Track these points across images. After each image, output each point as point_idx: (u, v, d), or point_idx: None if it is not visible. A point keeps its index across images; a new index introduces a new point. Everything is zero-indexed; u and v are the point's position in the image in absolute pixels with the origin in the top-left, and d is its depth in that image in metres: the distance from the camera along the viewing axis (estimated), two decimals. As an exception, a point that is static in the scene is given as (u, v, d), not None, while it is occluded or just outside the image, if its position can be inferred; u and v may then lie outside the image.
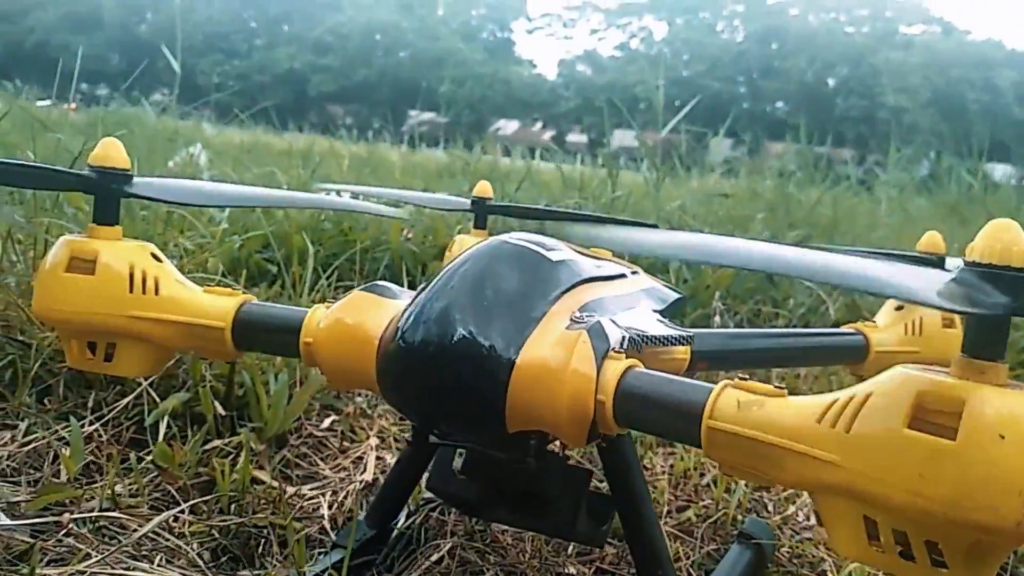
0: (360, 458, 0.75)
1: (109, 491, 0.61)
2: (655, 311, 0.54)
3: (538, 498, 0.49)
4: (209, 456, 0.69)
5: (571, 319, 0.44)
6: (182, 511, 0.60)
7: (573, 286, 0.47)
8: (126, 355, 0.49)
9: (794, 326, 1.28)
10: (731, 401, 0.36)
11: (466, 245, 0.85)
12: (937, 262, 0.71)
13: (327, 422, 0.81)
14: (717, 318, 1.24)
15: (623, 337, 0.42)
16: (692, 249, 0.37)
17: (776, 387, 0.36)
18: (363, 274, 1.22)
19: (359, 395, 0.86)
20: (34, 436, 0.69)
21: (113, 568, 0.53)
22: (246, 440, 0.69)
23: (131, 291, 0.48)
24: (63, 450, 0.68)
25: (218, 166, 2.22)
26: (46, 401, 0.75)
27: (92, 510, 0.59)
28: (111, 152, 0.49)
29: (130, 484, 0.64)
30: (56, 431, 0.71)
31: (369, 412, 0.84)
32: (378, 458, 0.74)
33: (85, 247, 0.48)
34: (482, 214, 0.88)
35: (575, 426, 0.40)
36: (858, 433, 0.32)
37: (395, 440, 0.81)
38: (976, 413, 0.29)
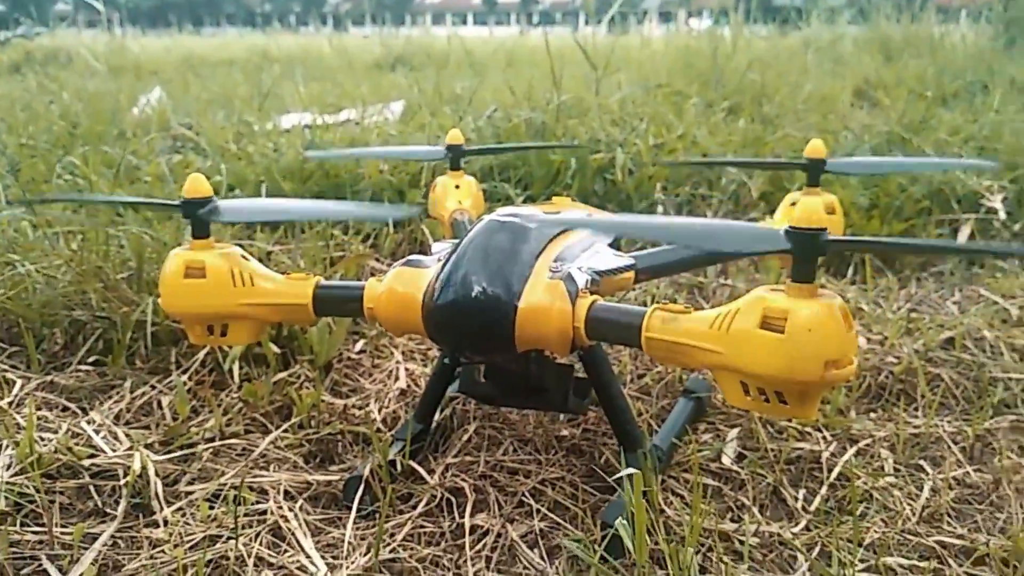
0: (390, 372, 0.96)
1: (217, 424, 0.82)
2: (609, 244, 0.74)
3: (539, 388, 0.71)
4: (276, 387, 0.90)
5: (550, 270, 0.64)
6: (284, 431, 0.81)
7: (548, 243, 0.66)
8: (236, 330, 0.68)
9: (725, 207, 1.49)
10: (658, 319, 0.57)
11: (447, 185, 1.03)
12: (820, 164, 0.91)
13: (358, 346, 1.01)
14: (660, 208, 1.45)
15: (587, 280, 0.63)
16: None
17: (685, 306, 0.57)
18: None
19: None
20: (139, 392, 0.89)
21: (245, 478, 0.74)
22: (318, 376, 0.89)
23: (234, 286, 0.66)
24: (164, 399, 0.88)
25: (180, 103, 2.31)
26: (137, 362, 0.94)
27: (212, 440, 0.80)
28: (199, 185, 0.66)
29: (225, 417, 0.85)
30: (153, 385, 0.90)
31: (388, 334, 1.04)
32: (406, 370, 0.95)
33: (194, 258, 0.66)
34: (456, 158, 1.05)
35: (561, 344, 0.61)
36: (733, 333, 0.53)
37: (414, 355, 1.01)
38: (794, 318, 0.50)
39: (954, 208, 1.42)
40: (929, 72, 2.93)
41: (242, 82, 3.29)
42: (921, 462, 0.78)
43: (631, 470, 0.60)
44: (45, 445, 0.76)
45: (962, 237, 1.39)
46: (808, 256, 0.52)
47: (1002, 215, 1.37)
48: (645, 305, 0.59)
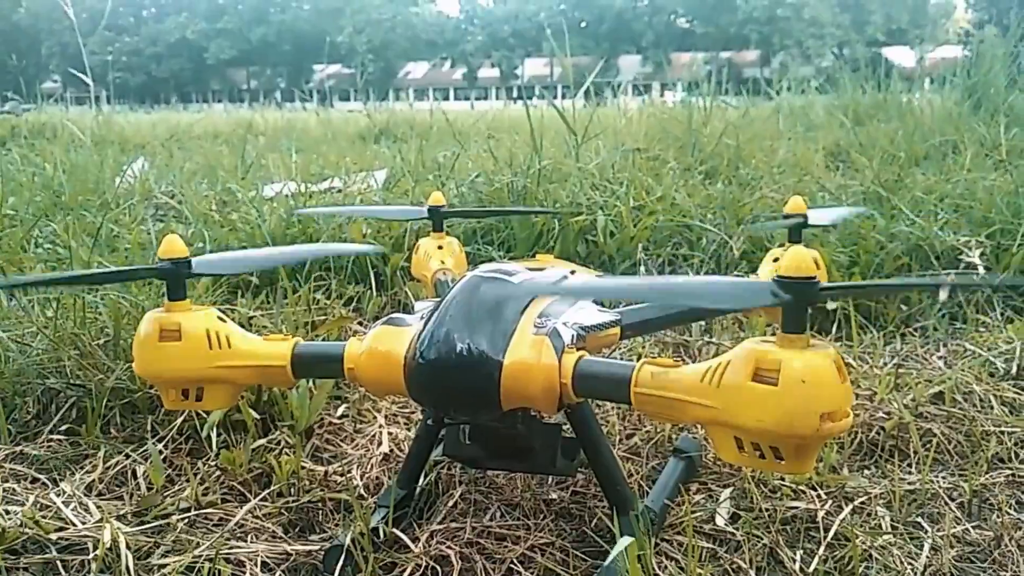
0: (373, 436, 0.94)
1: (193, 494, 0.79)
2: (593, 301, 0.73)
3: (525, 449, 0.69)
4: (256, 454, 0.87)
5: (535, 325, 0.63)
6: (262, 499, 0.78)
7: (533, 299, 0.65)
8: (212, 394, 0.66)
9: (706, 267, 1.49)
10: (647, 373, 0.55)
11: (429, 246, 1.02)
12: (803, 221, 0.92)
13: (340, 410, 0.99)
14: (642, 268, 1.45)
15: (573, 335, 0.62)
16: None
17: (675, 360, 0.56)
18: (335, 271, 1.38)
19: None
20: (113, 461, 0.86)
21: (220, 550, 0.70)
22: (298, 442, 0.86)
23: (211, 348, 0.64)
24: (139, 468, 0.85)
25: (163, 173, 2.31)
26: (111, 431, 0.91)
27: (187, 510, 0.77)
28: (175, 246, 0.65)
29: (202, 486, 0.82)
30: (128, 454, 0.87)
31: (372, 397, 1.02)
32: (389, 434, 0.93)
33: (169, 320, 0.64)
34: (438, 220, 1.04)
35: (548, 401, 0.59)
36: (724, 386, 0.51)
37: (397, 418, 0.99)
38: (787, 369, 0.49)
39: (933, 264, 1.43)
40: (899, 135, 2.99)
41: (227, 154, 3.31)
42: (919, 519, 0.76)
43: (625, 537, 0.58)
44: (10, 519, 0.73)
45: (943, 294, 1.39)
46: (800, 306, 0.51)
47: (981, 270, 1.38)
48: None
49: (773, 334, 0.53)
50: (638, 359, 0.57)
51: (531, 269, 0.71)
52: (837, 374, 0.50)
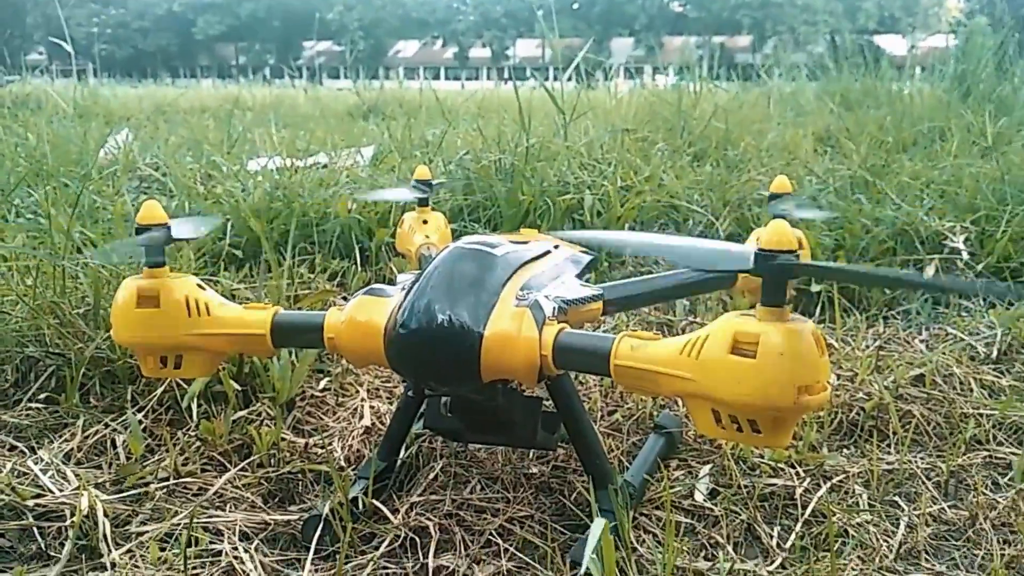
0: (355, 410, 0.93)
1: (172, 463, 0.79)
2: (576, 275, 0.73)
3: (506, 422, 0.69)
4: (236, 425, 0.87)
5: (516, 298, 0.62)
6: (242, 469, 0.78)
7: (515, 271, 0.65)
8: (191, 362, 0.66)
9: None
10: (627, 346, 0.55)
11: (414, 221, 1.01)
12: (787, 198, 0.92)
13: (322, 383, 0.98)
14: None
15: (554, 308, 0.62)
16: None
17: (654, 333, 0.56)
18: (320, 245, 1.38)
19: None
20: (92, 430, 0.85)
21: (199, 518, 0.70)
22: (279, 413, 0.86)
23: (189, 315, 0.64)
24: (119, 437, 0.85)
25: (148, 146, 2.29)
26: (91, 400, 0.90)
27: (166, 479, 0.77)
28: (154, 212, 0.65)
29: (182, 456, 0.81)
30: (107, 423, 0.87)
31: (354, 371, 1.02)
32: (371, 407, 0.92)
33: (148, 286, 0.64)
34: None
35: (528, 373, 0.59)
36: (703, 359, 0.51)
37: (379, 392, 0.99)
38: (766, 342, 0.49)
39: (918, 249, 1.44)
40: (888, 121, 2.99)
41: (213, 128, 3.27)
42: (896, 498, 0.77)
43: (601, 518, 0.58)
44: (-14, 485, 0.72)
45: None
46: (779, 279, 0.51)
47: (965, 255, 1.39)
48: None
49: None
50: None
51: (514, 243, 0.71)
52: (815, 347, 0.50)
